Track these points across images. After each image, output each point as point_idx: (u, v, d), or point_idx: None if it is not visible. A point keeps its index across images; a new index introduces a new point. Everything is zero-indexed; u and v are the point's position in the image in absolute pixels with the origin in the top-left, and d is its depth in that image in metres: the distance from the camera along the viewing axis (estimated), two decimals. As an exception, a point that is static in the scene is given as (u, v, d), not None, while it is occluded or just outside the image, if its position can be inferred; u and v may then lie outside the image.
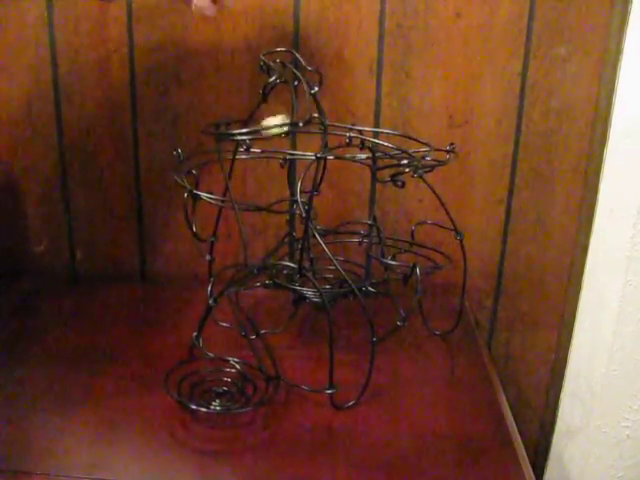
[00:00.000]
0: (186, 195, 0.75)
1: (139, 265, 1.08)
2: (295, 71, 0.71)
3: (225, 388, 0.73)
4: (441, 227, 0.86)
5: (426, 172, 0.77)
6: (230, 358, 0.76)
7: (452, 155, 0.81)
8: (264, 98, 0.77)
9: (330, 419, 0.71)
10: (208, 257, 0.86)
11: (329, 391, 0.72)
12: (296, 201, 0.70)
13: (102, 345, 0.85)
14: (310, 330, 0.91)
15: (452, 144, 0.81)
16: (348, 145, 0.77)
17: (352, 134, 0.76)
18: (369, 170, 0.87)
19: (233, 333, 0.86)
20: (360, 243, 0.92)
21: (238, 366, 0.76)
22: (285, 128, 0.69)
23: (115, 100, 1.00)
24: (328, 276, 0.89)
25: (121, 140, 1.02)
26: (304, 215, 0.71)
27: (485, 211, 1.02)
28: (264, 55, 0.74)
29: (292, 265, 0.78)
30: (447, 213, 0.83)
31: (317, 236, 0.72)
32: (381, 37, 0.95)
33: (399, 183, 0.75)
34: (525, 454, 0.68)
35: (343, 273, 0.71)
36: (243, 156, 0.80)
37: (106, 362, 0.81)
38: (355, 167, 0.95)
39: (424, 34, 0.94)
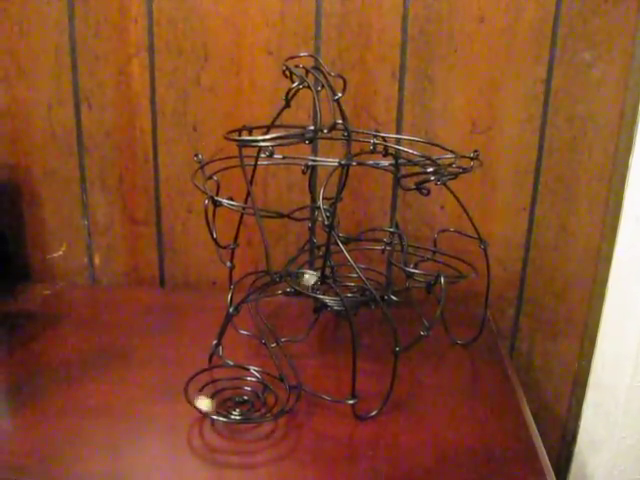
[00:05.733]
0: (207, 201, 0.74)
1: (158, 271, 1.08)
2: (319, 77, 0.70)
3: (245, 397, 0.73)
4: (465, 235, 0.85)
5: (450, 179, 0.76)
6: (250, 366, 0.76)
7: (476, 162, 0.79)
8: (287, 103, 0.76)
9: (352, 429, 0.70)
10: (229, 264, 0.85)
11: (351, 401, 0.71)
12: (318, 208, 0.69)
13: (120, 352, 0.84)
14: (331, 338, 0.90)
15: (476, 151, 0.80)
16: (372, 152, 0.76)
17: (376, 141, 0.75)
18: (390, 176, 0.86)
19: (253, 341, 0.86)
20: (383, 251, 0.91)
21: (258, 375, 0.75)
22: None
23: (135, 104, 1.00)
24: (349, 284, 0.88)
25: (140, 145, 1.02)
26: (326, 222, 0.70)
27: (508, 219, 1.00)
28: (287, 60, 0.74)
29: (313, 273, 0.77)
30: (471, 221, 0.82)
31: (340, 244, 0.71)
32: (404, 42, 0.94)
33: (424, 191, 0.74)
34: (550, 466, 0.67)
35: (366, 281, 0.70)
36: (265, 162, 0.79)
37: (124, 369, 0.81)
38: (376, 173, 0.94)
39: (447, 39, 0.93)
